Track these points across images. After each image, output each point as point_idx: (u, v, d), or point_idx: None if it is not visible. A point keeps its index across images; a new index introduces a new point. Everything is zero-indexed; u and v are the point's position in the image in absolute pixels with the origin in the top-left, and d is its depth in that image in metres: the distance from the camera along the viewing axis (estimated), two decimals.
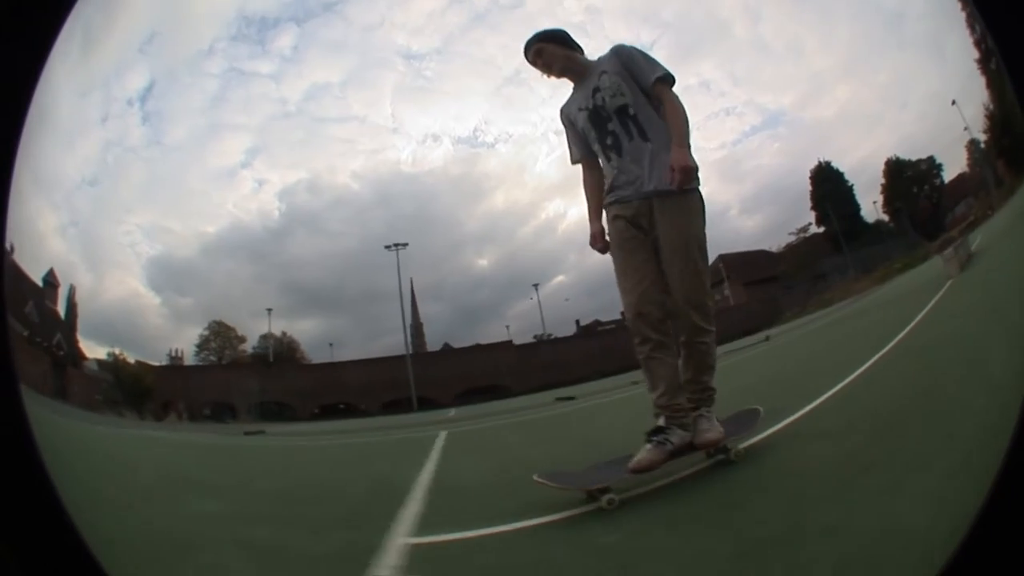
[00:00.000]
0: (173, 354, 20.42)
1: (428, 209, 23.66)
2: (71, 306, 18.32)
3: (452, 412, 14.84)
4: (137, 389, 18.32)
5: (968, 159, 13.31)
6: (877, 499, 1.72)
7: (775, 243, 20.21)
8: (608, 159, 2.44)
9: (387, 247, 19.98)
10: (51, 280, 18.22)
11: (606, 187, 2.47)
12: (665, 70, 2.33)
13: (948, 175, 15.59)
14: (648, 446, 2.16)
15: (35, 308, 16.75)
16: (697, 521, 1.90)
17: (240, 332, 21.09)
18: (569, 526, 1.98)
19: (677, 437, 2.19)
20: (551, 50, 2.49)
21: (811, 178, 18.81)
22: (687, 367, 2.32)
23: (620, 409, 6.72)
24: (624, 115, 2.37)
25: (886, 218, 16.95)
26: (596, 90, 2.41)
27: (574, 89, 2.57)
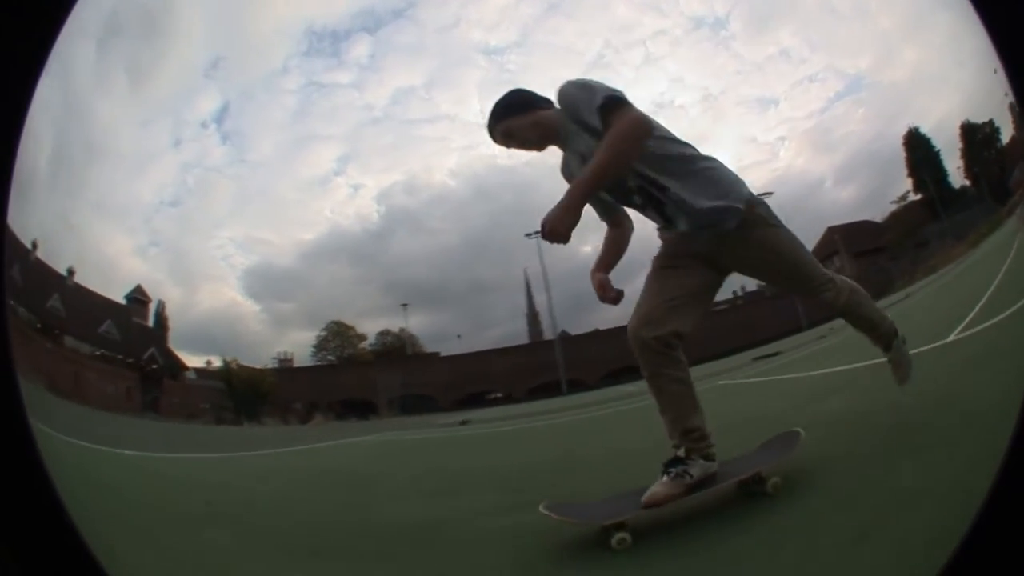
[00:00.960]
0: (281, 357, 20.38)
1: (528, 199, 23.45)
2: (161, 320, 18.24)
3: (630, 387, 14.36)
4: (253, 393, 18.06)
5: (1013, 122, 12.87)
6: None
7: (875, 212, 19.56)
8: (650, 217, 2.10)
9: (527, 235, 19.80)
10: (139, 297, 18.15)
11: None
12: (605, 95, 1.82)
13: (1004, 137, 15.08)
14: (664, 478, 1.86)
15: (114, 326, 16.70)
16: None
17: (359, 331, 21.09)
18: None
19: (698, 469, 1.88)
20: (519, 124, 2.04)
21: (904, 144, 18.20)
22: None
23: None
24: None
25: (968, 183, 16.55)
26: (583, 157, 1.93)
27: (562, 149, 2.12)
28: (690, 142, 2.01)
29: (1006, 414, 0.94)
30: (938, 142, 17.69)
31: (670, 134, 1.97)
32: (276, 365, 19.38)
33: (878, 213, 19.51)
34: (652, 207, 2.02)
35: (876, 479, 1.85)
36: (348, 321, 21.57)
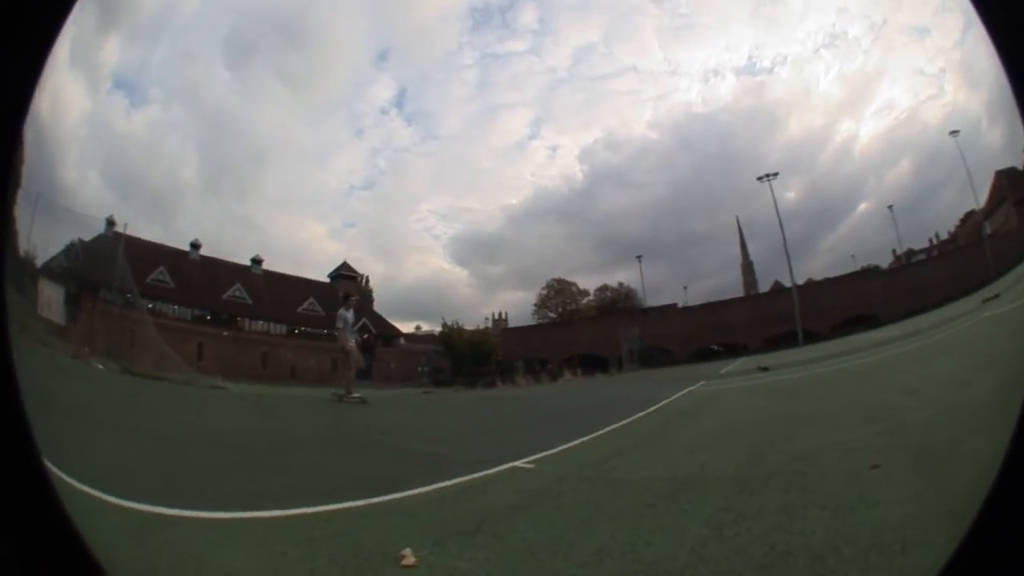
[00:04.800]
0: (496, 317, 20.52)
1: (730, 146, 23.10)
2: (367, 293, 18.88)
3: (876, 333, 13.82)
4: (476, 353, 18.15)
5: None
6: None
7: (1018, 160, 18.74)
8: None
9: (759, 178, 19.48)
10: (345, 272, 18.82)
11: None
12: None
13: None
14: None
15: (316, 302, 17.39)
16: None
17: (581, 287, 21.06)
18: None
19: None
20: None
21: None
22: None
23: None
24: None
25: None
26: None
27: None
28: None
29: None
30: None
31: None
32: (490, 326, 19.48)
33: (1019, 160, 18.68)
34: None
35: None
36: (566, 279, 21.62)
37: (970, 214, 19.36)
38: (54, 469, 0.96)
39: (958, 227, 20.15)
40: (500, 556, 1.77)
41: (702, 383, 9.58)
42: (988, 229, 18.44)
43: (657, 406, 6.43)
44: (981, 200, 18.78)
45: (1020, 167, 16.87)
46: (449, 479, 2.91)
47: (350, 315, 9.79)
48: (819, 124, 24.62)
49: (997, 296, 10.18)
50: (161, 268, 15.01)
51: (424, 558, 1.73)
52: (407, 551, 1.76)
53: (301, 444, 4.83)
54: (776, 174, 19.96)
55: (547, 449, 3.75)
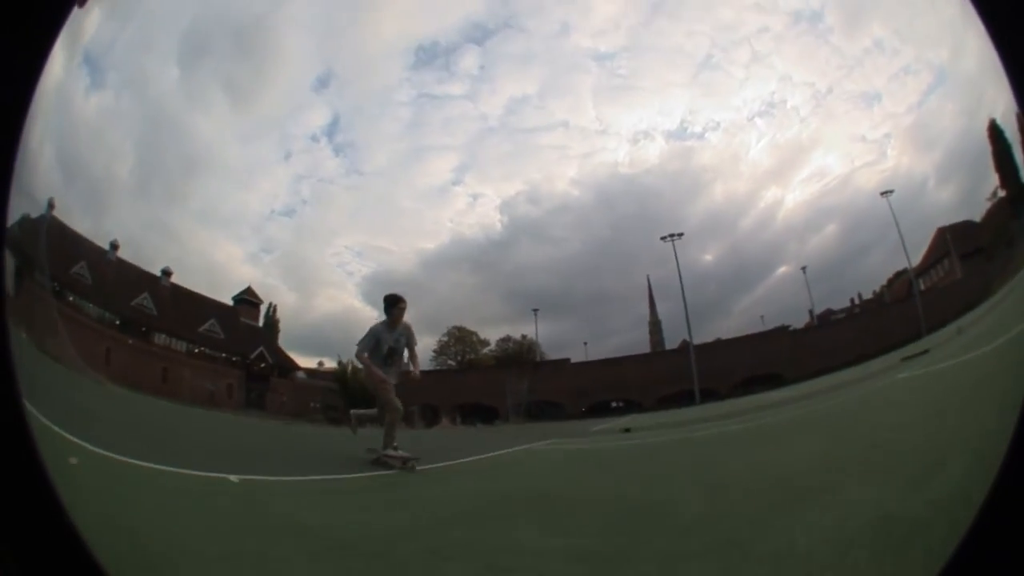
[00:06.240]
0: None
1: (651, 208, 23.47)
2: (272, 322, 19.15)
3: (774, 395, 13.10)
4: (366, 394, 18.20)
5: None
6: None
7: (972, 213, 19.03)
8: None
9: (663, 238, 19.81)
10: (249, 298, 19.01)
11: None
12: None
13: None
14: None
15: (218, 324, 17.37)
16: None
17: (482, 336, 21.62)
18: None
19: None
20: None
21: (989, 136, 17.34)
22: None
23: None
24: None
25: None
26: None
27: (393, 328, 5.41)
28: None
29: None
30: (1009, 135, 17.09)
31: None
32: None
33: (975, 214, 19.21)
34: None
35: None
36: (470, 327, 22.43)
37: (900, 273, 20.17)
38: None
39: (884, 287, 21.00)
40: None
41: (552, 441, 9.41)
42: (922, 286, 19.23)
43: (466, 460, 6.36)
44: (915, 259, 19.73)
45: (978, 219, 17.47)
46: None
47: (390, 337, 5.73)
48: (744, 190, 25.75)
49: (927, 352, 9.90)
50: (83, 263, 14.86)
51: None
52: None
53: None
54: (681, 234, 20.72)
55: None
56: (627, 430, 10.66)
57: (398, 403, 5.61)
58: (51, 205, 13.32)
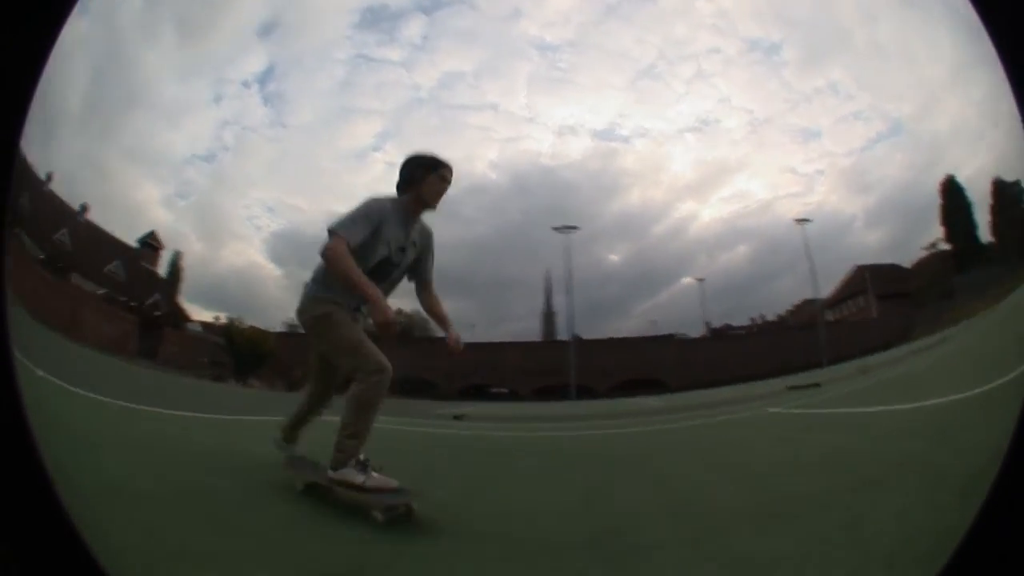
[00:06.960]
0: (292, 323, 20.17)
1: (565, 202, 23.26)
2: (175, 270, 18.25)
3: (653, 401, 12.80)
4: (253, 353, 17.80)
5: None
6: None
7: (900, 258, 19.73)
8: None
9: (556, 229, 19.31)
10: (151, 242, 18.08)
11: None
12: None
13: None
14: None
15: (121, 267, 16.68)
16: None
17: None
18: None
19: None
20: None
21: (941, 192, 17.97)
22: None
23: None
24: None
25: (994, 239, 16.51)
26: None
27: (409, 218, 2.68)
28: None
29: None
30: (971, 195, 17.62)
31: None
32: (286, 330, 19.19)
33: (904, 259, 19.61)
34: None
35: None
36: None
37: (808, 302, 20.51)
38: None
39: (789, 312, 21.24)
40: None
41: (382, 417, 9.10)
42: (830, 316, 19.59)
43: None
44: (826, 292, 20.08)
45: (907, 265, 18.00)
46: None
47: (401, 232, 2.66)
48: (661, 198, 25.54)
49: (817, 385, 9.86)
50: (26, 193, 14.60)
51: None
52: None
53: None
54: (575, 227, 20.16)
55: None
56: (458, 417, 10.12)
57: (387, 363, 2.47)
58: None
